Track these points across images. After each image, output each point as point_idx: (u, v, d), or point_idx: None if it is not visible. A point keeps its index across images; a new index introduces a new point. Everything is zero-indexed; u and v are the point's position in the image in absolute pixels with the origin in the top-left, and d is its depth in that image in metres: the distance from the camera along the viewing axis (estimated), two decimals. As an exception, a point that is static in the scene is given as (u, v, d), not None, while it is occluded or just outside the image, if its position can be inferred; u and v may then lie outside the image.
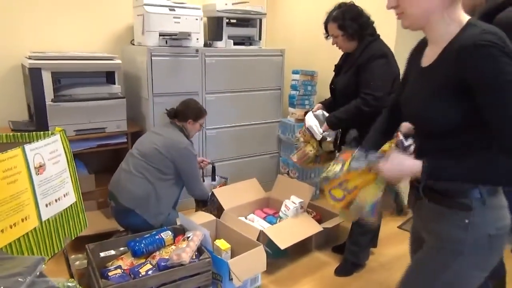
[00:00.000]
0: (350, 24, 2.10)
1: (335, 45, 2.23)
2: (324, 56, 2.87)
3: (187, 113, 2.48)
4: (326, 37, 2.25)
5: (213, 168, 2.89)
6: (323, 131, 2.25)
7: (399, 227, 2.96)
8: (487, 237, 1.08)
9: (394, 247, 2.65)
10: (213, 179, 2.86)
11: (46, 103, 2.49)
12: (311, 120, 2.31)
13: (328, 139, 2.27)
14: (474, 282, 1.15)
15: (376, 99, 2.06)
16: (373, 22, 2.17)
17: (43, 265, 1.00)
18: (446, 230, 1.13)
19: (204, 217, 2.42)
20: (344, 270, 2.38)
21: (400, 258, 2.48)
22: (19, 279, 0.87)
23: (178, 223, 2.25)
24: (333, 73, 2.40)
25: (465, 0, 1.30)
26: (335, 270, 2.38)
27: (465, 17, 1.07)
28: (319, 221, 2.65)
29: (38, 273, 0.96)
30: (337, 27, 2.13)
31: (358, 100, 2.11)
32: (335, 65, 2.39)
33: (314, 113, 2.36)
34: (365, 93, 2.08)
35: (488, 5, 1.36)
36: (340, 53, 2.34)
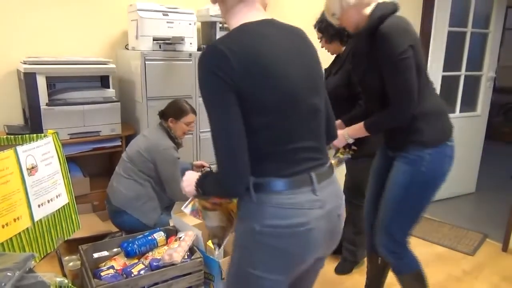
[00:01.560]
0: (327, 27, 2.18)
1: (323, 48, 2.29)
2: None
3: (168, 112, 2.48)
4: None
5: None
6: None
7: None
8: (252, 231, 1.03)
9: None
10: None
11: (41, 107, 2.52)
12: None
13: None
14: (253, 283, 1.07)
15: None
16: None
17: (33, 261, 1.03)
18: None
19: (198, 219, 2.44)
20: (343, 269, 2.42)
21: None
22: (8, 273, 0.90)
23: (171, 224, 2.28)
24: (325, 76, 2.44)
25: (350, 19, 1.58)
26: (335, 269, 2.42)
27: (239, 23, 1.03)
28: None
29: (27, 269, 0.99)
30: (317, 30, 2.23)
31: (359, 103, 2.11)
32: (325, 69, 2.43)
33: None
34: None
35: (368, 21, 1.51)
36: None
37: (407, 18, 1.53)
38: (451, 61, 3.27)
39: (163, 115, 2.51)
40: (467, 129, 3.46)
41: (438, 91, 3.13)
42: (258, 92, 0.97)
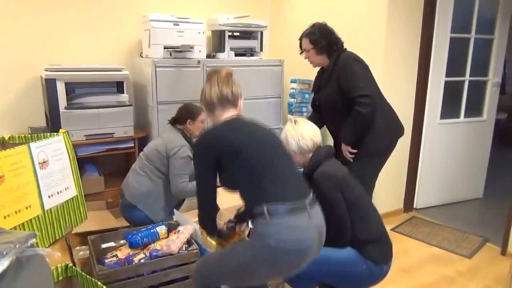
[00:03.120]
0: (319, 39, 2.31)
1: (307, 59, 2.43)
2: (319, 66, 3.05)
3: (184, 115, 2.63)
4: (300, 53, 2.46)
5: None
6: None
7: (392, 229, 3.04)
8: (267, 245, 1.38)
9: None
10: None
11: (60, 110, 2.75)
12: None
13: None
14: (252, 274, 1.48)
15: (371, 97, 2.20)
16: (342, 42, 2.37)
17: (34, 239, 1.20)
18: None
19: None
20: None
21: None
22: (11, 245, 1.07)
23: (174, 219, 2.43)
24: (314, 92, 2.59)
25: (298, 161, 1.89)
26: None
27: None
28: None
29: (28, 244, 1.15)
30: (309, 41, 2.35)
31: (355, 108, 2.21)
32: (313, 86, 2.58)
33: None
34: (359, 96, 2.19)
35: (307, 166, 1.86)
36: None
37: (335, 164, 1.90)
38: (457, 66, 3.31)
39: (177, 120, 2.66)
40: (473, 134, 3.47)
41: (441, 96, 3.22)
42: (237, 150, 1.47)
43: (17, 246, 1.08)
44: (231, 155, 1.48)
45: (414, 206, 3.43)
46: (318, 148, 1.91)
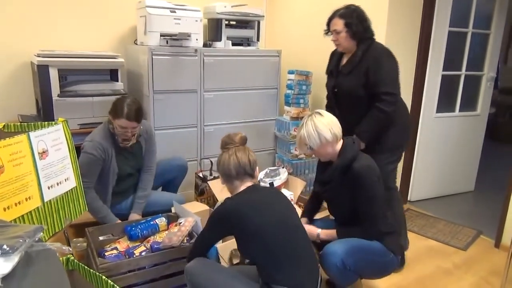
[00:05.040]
0: (356, 23, 2.19)
1: (334, 41, 2.30)
2: (319, 58, 2.99)
3: (112, 106, 2.32)
4: (326, 33, 2.33)
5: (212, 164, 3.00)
6: None
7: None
8: None
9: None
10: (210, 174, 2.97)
11: (53, 98, 2.65)
12: None
13: None
14: None
15: (395, 96, 2.17)
16: (372, 30, 2.28)
17: (41, 233, 1.14)
18: None
19: (198, 206, 2.56)
20: None
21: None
22: (20, 240, 1.02)
23: (173, 211, 2.39)
24: (326, 76, 2.51)
25: (326, 152, 1.88)
26: None
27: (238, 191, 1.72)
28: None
29: (37, 238, 1.10)
30: (344, 24, 2.20)
31: (377, 104, 2.16)
32: (330, 69, 2.47)
33: None
34: (385, 93, 2.14)
35: (342, 160, 1.84)
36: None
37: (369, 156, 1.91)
38: (453, 60, 3.32)
39: None
40: (466, 128, 3.51)
41: (437, 90, 3.24)
42: (255, 232, 1.54)
43: (26, 240, 1.03)
44: (250, 234, 1.55)
45: (408, 199, 3.46)
46: (347, 139, 1.91)
